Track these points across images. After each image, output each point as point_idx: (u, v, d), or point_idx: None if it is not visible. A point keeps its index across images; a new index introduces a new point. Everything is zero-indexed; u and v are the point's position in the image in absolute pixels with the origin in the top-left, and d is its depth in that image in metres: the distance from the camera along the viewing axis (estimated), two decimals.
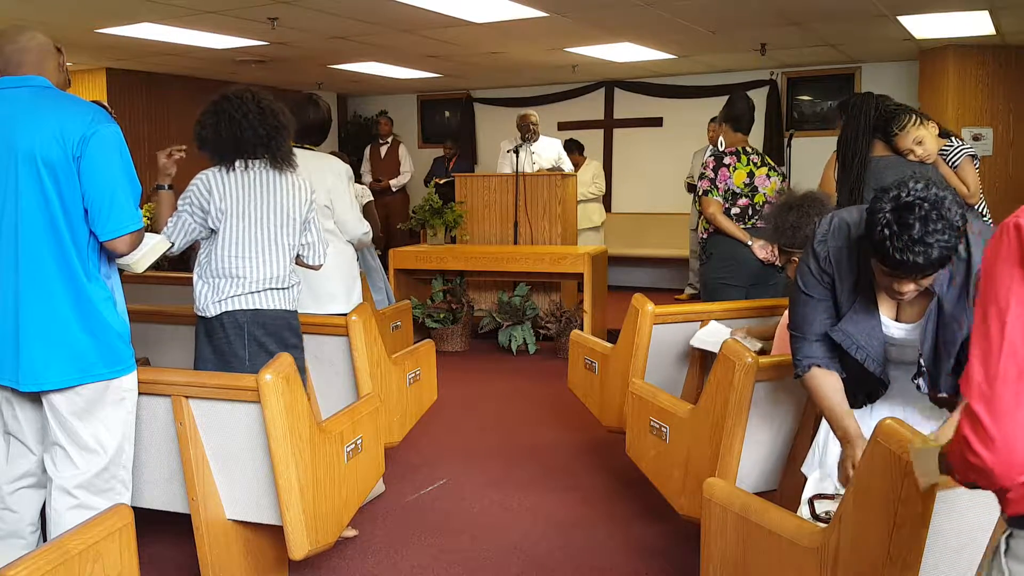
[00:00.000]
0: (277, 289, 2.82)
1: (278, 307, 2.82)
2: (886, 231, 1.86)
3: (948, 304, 2.05)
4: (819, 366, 2.20)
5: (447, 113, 10.95)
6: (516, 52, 7.72)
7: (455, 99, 10.75)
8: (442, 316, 6.27)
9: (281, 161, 2.86)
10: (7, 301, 2.19)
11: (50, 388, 2.19)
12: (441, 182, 8.33)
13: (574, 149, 8.40)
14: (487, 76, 9.36)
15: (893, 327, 2.17)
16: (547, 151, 6.89)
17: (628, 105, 9.69)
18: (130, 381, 2.33)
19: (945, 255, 1.87)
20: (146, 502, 2.57)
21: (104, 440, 2.27)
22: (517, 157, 6.50)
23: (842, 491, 2.01)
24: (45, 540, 2.33)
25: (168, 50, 7.41)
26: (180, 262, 8.31)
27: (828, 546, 1.75)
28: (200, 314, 2.82)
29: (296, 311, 2.93)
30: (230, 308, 2.76)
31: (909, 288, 1.97)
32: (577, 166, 8.34)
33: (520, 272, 6.14)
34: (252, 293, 2.77)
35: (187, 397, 2.42)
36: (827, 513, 2.01)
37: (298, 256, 2.93)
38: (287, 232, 2.85)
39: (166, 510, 2.58)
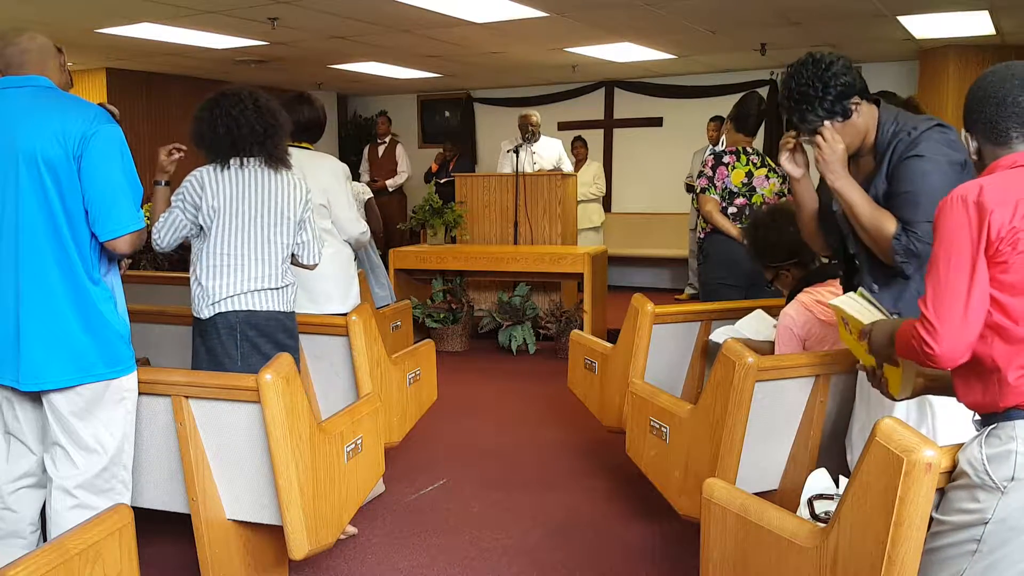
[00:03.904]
0: (270, 289, 2.80)
1: (271, 308, 2.81)
2: None
3: (880, 172, 2.25)
4: None
5: (447, 113, 10.95)
6: (516, 52, 7.72)
7: (455, 99, 10.75)
8: (442, 316, 6.28)
9: (277, 160, 2.84)
10: (8, 301, 2.19)
11: (50, 388, 2.20)
12: (441, 182, 8.33)
13: (580, 144, 8.46)
14: (487, 76, 9.36)
15: None
16: (547, 151, 6.89)
17: (628, 105, 9.68)
18: (130, 381, 2.33)
19: (797, 99, 2.22)
20: (146, 502, 2.57)
21: (104, 440, 2.28)
22: (517, 157, 6.50)
23: (841, 490, 2.01)
24: (45, 540, 2.33)
25: (168, 50, 7.41)
26: (181, 262, 8.33)
27: (827, 546, 1.75)
28: (195, 315, 2.81)
29: (292, 312, 2.92)
30: (223, 310, 2.75)
31: (793, 134, 2.31)
32: (581, 160, 8.36)
33: (520, 272, 6.13)
34: (244, 294, 2.76)
35: (187, 397, 2.42)
36: (827, 513, 2.01)
37: (293, 256, 2.91)
38: (281, 231, 2.82)
39: (166, 510, 2.58)
